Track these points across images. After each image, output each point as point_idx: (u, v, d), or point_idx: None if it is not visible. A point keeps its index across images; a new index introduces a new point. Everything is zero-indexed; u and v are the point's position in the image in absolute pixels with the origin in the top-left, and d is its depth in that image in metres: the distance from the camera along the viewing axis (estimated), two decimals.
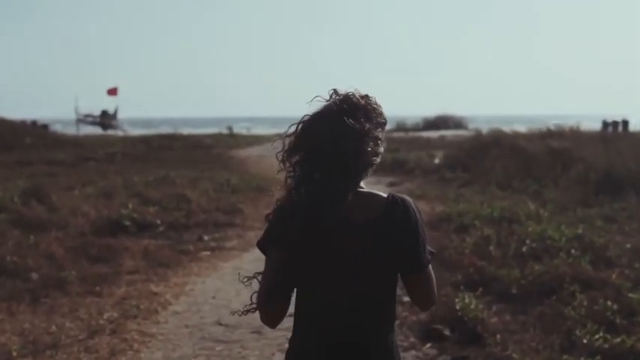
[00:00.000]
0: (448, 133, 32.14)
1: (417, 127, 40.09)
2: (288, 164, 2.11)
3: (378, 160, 2.14)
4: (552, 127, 21.19)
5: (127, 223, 9.97)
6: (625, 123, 31.80)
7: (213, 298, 6.51)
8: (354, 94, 2.12)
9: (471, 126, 38.64)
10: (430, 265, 2.15)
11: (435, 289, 2.18)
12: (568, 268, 6.49)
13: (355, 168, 2.08)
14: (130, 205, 10.94)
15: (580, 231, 7.98)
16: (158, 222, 10.28)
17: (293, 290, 2.14)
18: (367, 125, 2.09)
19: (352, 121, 2.06)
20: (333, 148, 2.04)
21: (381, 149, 2.14)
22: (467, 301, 5.53)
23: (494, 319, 5.54)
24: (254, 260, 8.23)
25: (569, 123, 22.04)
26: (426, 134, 32.81)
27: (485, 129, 23.94)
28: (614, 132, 27.11)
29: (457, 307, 5.43)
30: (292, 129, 2.12)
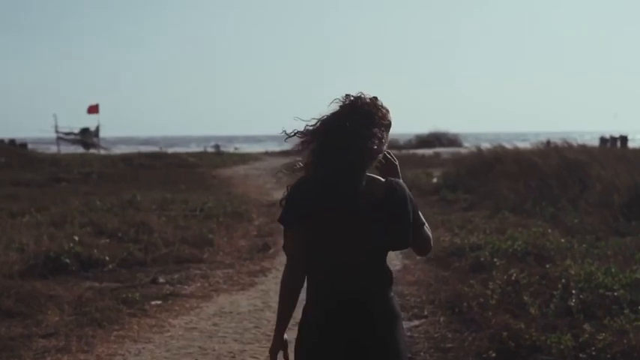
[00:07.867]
0: (442, 150, 31.19)
1: (409, 145, 40.29)
2: (307, 151, 2.53)
3: (380, 155, 2.59)
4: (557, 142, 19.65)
5: (67, 260, 8.17)
6: (624, 139, 30.39)
7: None
8: (364, 96, 2.56)
9: (465, 143, 37.92)
10: (425, 224, 2.64)
11: (431, 240, 2.68)
12: None
13: (361, 160, 2.49)
14: (76, 238, 9.13)
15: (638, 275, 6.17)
16: (107, 258, 8.48)
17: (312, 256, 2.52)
18: (372, 128, 2.52)
19: (358, 124, 2.50)
20: (344, 140, 2.46)
21: (383, 147, 2.57)
22: None
23: None
24: (215, 315, 6.39)
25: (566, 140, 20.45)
26: (420, 151, 31.65)
27: (483, 146, 22.28)
28: (612, 148, 25.63)
29: None
30: (312, 122, 2.53)
